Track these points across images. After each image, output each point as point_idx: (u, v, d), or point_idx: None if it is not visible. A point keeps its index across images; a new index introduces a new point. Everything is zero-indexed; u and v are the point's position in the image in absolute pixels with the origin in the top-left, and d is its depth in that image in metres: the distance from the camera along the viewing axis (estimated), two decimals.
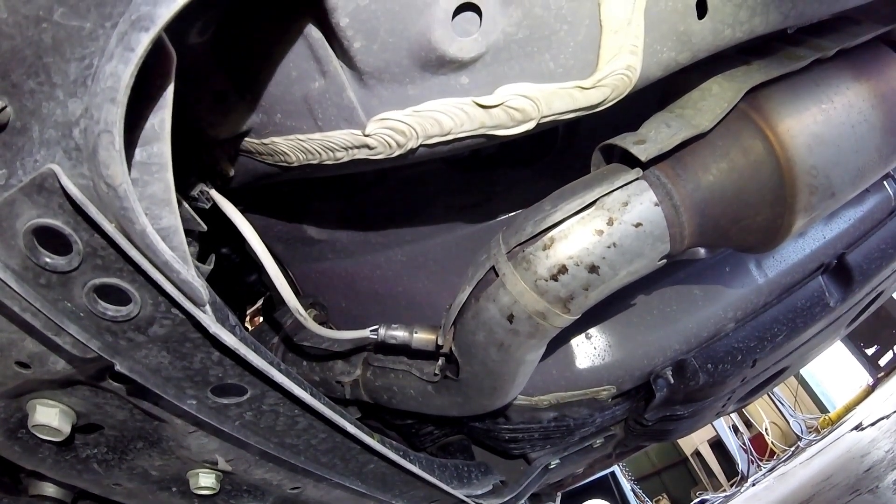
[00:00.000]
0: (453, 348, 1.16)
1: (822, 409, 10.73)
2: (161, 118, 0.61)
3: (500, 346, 1.07)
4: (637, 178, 0.99)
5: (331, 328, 1.51)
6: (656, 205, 0.98)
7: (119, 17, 0.57)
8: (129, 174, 0.60)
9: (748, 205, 1.03)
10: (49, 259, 0.65)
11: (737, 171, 1.02)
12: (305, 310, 1.27)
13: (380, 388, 1.46)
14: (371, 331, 1.24)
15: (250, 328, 2.08)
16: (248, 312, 2.53)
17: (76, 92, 0.60)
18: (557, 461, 1.85)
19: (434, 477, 1.34)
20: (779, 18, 0.98)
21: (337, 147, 0.92)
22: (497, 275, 1.01)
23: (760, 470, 9.68)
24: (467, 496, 1.50)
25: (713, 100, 1.04)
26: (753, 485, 9.14)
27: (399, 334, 1.23)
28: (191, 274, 0.67)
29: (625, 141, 1.00)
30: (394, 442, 1.28)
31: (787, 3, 0.98)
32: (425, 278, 1.55)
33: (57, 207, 0.61)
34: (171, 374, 0.79)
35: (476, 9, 0.80)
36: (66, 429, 0.91)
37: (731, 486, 10.54)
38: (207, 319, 0.73)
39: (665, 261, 1.03)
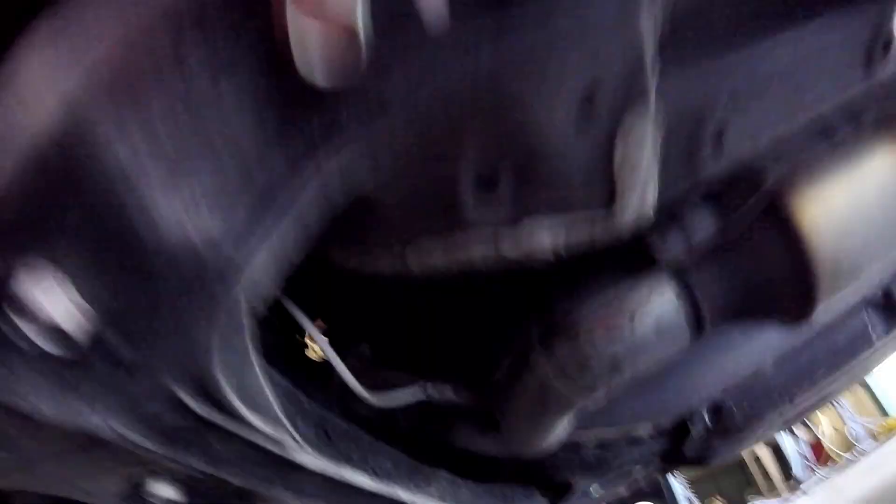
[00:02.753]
0: (494, 411, 1.28)
1: (884, 413, 10.03)
2: None
3: (531, 416, 1.18)
4: (658, 273, 1.05)
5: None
6: (677, 298, 1.05)
7: None
8: None
9: (770, 293, 1.08)
10: None
11: (758, 261, 1.06)
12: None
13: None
14: (419, 388, 1.37)
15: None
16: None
17: None
18: (599, 488, 1.94)
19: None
20: None
21: None
22: (528, 361, 1.11)
23: (815, 474, 9.33)
24: None
25: None
26: (805, 493, 8.83)
27: (445, 392, 1.36)
28: None
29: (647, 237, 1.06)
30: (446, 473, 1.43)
31: None
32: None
33: None
34: None
35: None
36: None
37: (787, 490, 10.20)
38: None
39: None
